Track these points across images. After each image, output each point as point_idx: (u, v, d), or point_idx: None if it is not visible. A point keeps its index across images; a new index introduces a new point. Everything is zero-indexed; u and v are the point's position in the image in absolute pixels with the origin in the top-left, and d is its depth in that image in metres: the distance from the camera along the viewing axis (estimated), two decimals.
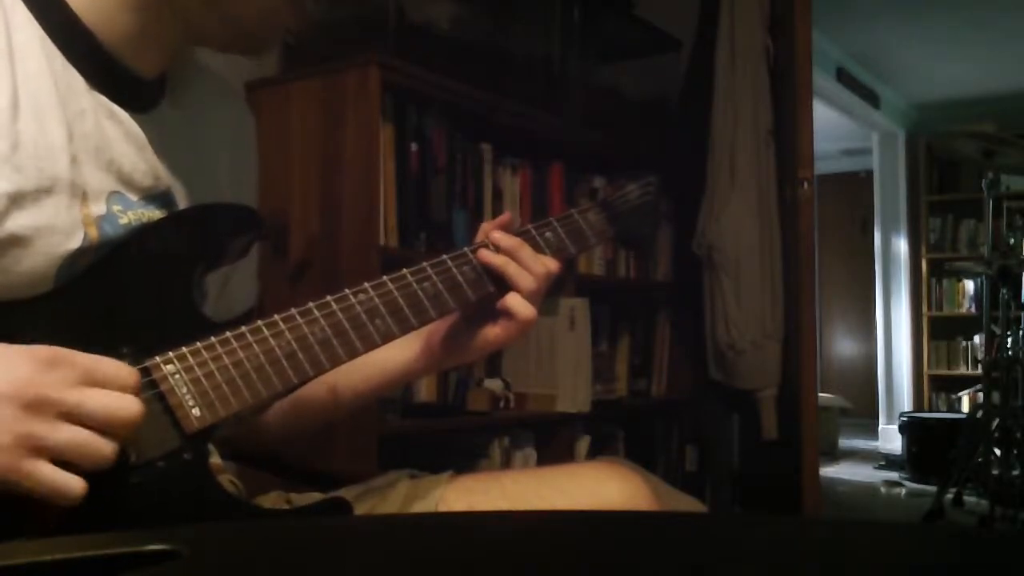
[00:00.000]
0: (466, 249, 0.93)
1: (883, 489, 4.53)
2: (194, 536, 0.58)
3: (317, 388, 0.99)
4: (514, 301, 0.93)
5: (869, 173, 6.57)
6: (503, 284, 0.93)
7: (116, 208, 0.80)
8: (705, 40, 2.95)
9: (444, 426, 2.27)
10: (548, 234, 0.98)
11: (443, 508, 0.93)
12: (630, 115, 2.92)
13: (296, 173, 2.05)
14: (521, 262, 0.93)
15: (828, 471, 4.75)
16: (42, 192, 0.74)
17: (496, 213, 2.39)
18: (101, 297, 0.76)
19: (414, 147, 2.12)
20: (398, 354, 0.99)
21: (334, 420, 1.06)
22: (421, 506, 0.94)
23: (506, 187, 2.44)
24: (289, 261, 2.03)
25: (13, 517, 0.65)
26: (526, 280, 0.93)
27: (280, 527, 0.73)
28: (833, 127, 5.89)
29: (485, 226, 0.96)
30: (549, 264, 0.95)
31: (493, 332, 0.95)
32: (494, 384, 2.40)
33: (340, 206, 1.99)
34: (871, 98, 5.76)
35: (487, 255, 0.93)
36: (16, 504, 0.64)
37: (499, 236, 0.94)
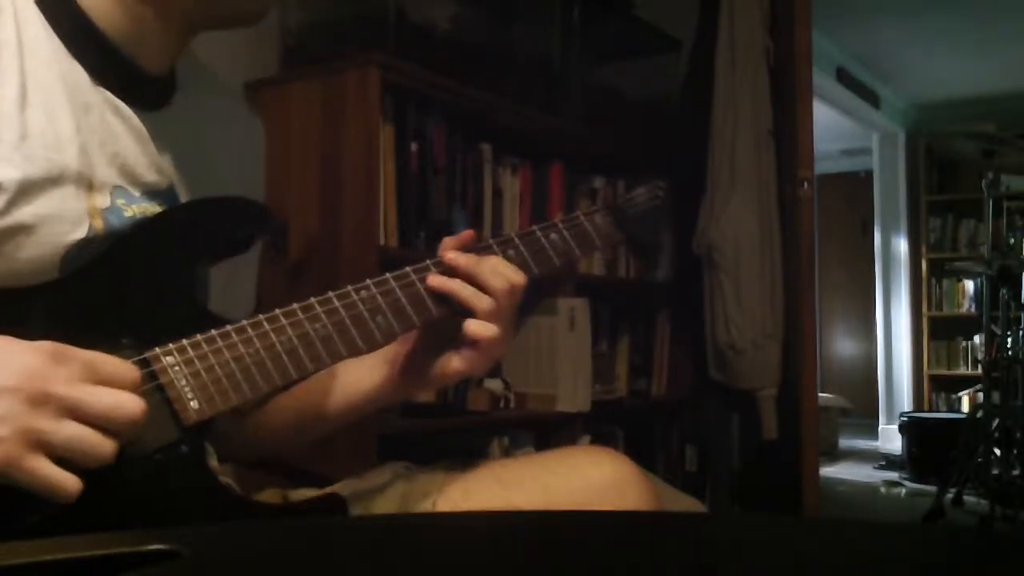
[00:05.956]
0: (408, 270, 0.86)
1: (883, 489, 4.52)
2: (194, 536, 0.58)
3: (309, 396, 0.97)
4: (473, 326, 0.85)
5: (869, 173, 6.56)
6: (461, 308, 0.86)
7: (120, 202, 0.80)
8: (705, 40, 2.95)
9: (444, 426, 2.27)
10: (511, 252, 0.90)
11: (440, 506, 0.91)
12: (630, 115, 2.92)
13: (296, 173, 2.05)
14: (478, 281, 0.85)
15: (828, 471, 4.75)
16: (50, 181, 0.75)
17: (496, 213, 2.39)
18: (104, 287, 0.76)
19: (414, 147, 2.11)
20: (364, 379, 0.95)
21: (306, 441, 1.03)
22: (418, 508, 0.92)
23: (506, 187, 2.44)
24: (289, 261, 2.03)
25: (3, 508, 0.65)
26: (483, 302, 0.85)
27: (280, 527, 0.73)
28: (833, 127, 5.89)
29: (446, 241, 0.89)
30: (512, 276, 0.86)
31: (456, 361, 0.87)
32: (494, 384, 2.40)
33: (340, 206, 1.99)
34: (871, 98, 5.75)
35: (436, 280, 0.85)
36: (8, 495, 0.64)
37: (453, 256, 0.86)
